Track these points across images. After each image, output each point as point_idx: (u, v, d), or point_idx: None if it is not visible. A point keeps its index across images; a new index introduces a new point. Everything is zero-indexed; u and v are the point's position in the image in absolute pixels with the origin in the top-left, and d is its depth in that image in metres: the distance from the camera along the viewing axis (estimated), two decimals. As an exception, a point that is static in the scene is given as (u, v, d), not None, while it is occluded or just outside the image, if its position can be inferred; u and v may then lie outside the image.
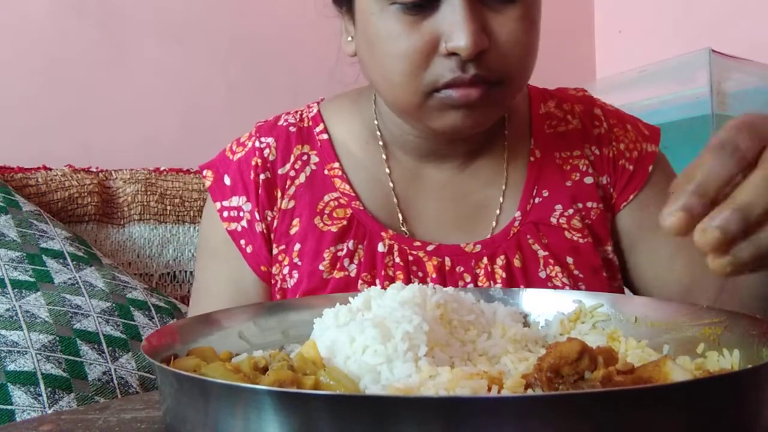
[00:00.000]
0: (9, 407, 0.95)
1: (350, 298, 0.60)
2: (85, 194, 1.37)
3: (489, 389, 0.43)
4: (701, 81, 1.72)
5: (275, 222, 0.85)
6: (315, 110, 0.92)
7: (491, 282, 0.81)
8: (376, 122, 0.89)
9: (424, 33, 0.70)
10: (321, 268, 0.81)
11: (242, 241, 0.86)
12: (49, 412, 0.96)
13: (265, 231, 0.85)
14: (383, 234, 0.83)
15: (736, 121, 0.47)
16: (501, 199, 0.86)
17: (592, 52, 2.38)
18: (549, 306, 0.65)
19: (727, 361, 0.53)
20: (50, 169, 1.38)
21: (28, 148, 1.47)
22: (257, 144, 0.88)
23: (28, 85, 1.55)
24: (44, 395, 0.97)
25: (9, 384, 0.96)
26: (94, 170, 1.43)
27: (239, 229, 0.86)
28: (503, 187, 0.86)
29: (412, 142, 0.85)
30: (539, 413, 0.34)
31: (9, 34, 1.53)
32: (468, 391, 0.42)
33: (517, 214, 0.85)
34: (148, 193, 1.43)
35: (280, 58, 1.87)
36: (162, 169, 1.50)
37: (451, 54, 0.70)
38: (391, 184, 0.86)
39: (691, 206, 0.44)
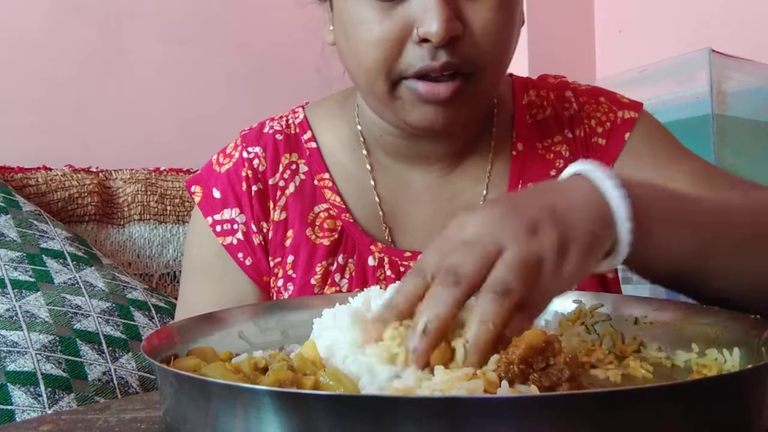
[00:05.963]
0: (9, 407, 0.95)
1: (350, 298, 0.60)
2: (85, 194, 1.37)
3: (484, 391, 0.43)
4: (701, 81, 1.72)
5: (270, 234, 0.83)
6: (301, 116, 0.90)
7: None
8: (359, 127, 0.87)
9: (396, 19, 0.69)
10: (313, 282, 0.81)
11: (240, 254, 0.83)
12: (49, 412, 0.96)
13: (262, 242, 0.83)
14: (372, 247, 0.82)
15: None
16: (487, 197, 0.84)
17: (592, 52, 2.38)
18: (549, 306, 0.65)
19: (727, 360, 0.53)
20: (50, 169, 1.38)
21: (28, 148, 1.47)
22: (245, 154, 0.86)
23: (29, 85, 1.55)
24: (44, 395, 0.97)
25: (9, 384, 0.96)
26: (94, 170, 1.43)
27: (235, 242, 0.84)
28: (488, 183, 0.85)
29: (394, 143, 0.83)
30: (539, 413, 0.34)
31: (9, 34, 1.53)
32: (464, 391, 0.42)
33: None
34: (148, 193, 1.43)
35: (280, 58, 1.87)
36: (162, 169, 1.50)
37: (423, 41, 0.68)
38: (377, 197, 0.84)
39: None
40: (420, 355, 0.44)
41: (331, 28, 0.80)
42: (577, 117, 0.87)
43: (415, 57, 0.69)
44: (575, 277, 0.49)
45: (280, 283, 0.82)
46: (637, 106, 0.88)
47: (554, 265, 0.47)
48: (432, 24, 0.67)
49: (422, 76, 0.70)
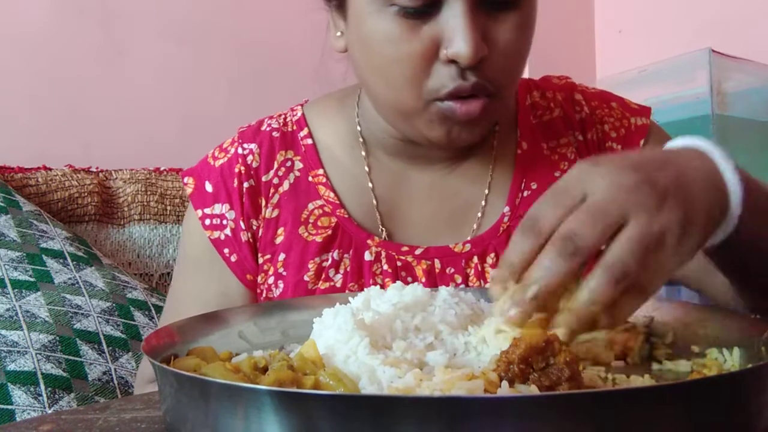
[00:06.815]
0: (9, 407, 0.95)
1: (350, 298, 0.60)
2: (85, 194, 1.37)
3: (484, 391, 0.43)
4: (701, 81, 1.72)
5: (260, 231, 0.84)
6: (299, 113, 0.90)
7: (482, 281, 0.80)
8: (359, 128, 0.87)
9: (424, 38, 0.69)
10: (306, 278, 0.80)
11: (226, 250, 0.84)
12: (49, 412, 0.96)
13: (250, 240, 0.83)
14: (369, 242, 0.82)
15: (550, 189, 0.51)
16: (489, 196, 0.85)
17: (592, 52, 2.38)
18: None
19: (727, 360, 0.53)
20: (50, 169, 1.38)
21: (28, 148, 1.47)
22: (240, 150, 0.86)
23: (29, 85, 1.55)
24: (44, 395, 0.97)
25: (9, 384, 0.96)
26: (94, 170, 1.43)
27: (222, 237, 0.84)
28: (490, 182, 0.85)
29: (396, 145, 0.83)
30: (539, 413, 0.34)
31: (10, 34, 1.53)
32: (464, 391, 0.42)
33: (506, 209, 0.83)
34: (148, 193, 1.43)
35: (280, 58, 1.87)
36: (162, 169, 1.50)
37: (451, 61, 0.69)
38: (374, 199, 0.84)
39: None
40: (519, 318, 0.46)
41: (338, 34, 0.79)
42: (589, 120, 0.88)
43: (445, 77, 0.70)
44: (690, 257, 0.49)
45: (270, 280, 0.82)
46: (646, 111, 0.89)
47: (675, 245, 0.48)
48: (461, 46, 0.67)
49: (454, 95, 0.70)
